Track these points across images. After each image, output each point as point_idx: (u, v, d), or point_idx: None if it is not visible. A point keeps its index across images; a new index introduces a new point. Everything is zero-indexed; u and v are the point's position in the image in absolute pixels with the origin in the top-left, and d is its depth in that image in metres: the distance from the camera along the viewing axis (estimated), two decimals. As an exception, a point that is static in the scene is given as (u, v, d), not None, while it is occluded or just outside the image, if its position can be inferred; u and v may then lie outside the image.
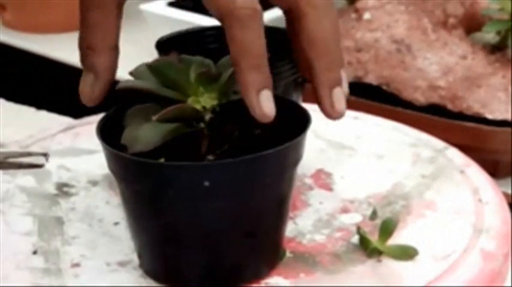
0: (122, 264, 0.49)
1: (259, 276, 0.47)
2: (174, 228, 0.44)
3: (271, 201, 0.45)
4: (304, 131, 0.44)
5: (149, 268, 0.47)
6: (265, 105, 0.41)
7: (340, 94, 0.45)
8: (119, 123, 0.45)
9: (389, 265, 0.48)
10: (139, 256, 0.47)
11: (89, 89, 0.45)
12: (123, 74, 1.11)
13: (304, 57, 0.45)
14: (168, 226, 0.44)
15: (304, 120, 0.45)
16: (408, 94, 0.79)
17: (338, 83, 0.45)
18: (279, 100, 0.44)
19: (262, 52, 0.41)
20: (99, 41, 0.45)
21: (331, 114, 0.45)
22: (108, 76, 0.46)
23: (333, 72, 0.45)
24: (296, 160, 0.45)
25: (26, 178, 0.58)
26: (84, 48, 0.45)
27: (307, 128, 0.44)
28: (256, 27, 0.41)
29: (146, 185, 0.42)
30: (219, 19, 0.42)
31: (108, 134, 0.44)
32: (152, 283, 0.47)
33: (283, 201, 0.46)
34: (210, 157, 0.44)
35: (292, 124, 0.45)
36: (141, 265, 0.48)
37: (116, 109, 0.46)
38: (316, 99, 0.45)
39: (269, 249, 0.47)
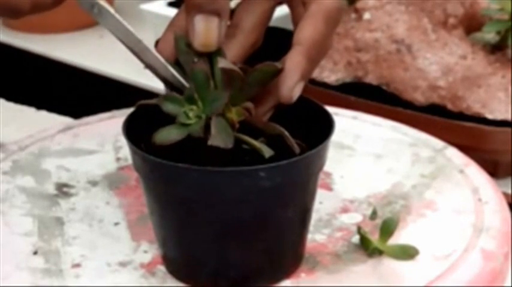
0: (122, 264, 0.49)
1: (276, 282, 0.47)
2: (220, 227, 0.45)
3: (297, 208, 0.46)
4: (330, 136, 0.45)
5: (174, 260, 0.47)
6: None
7: (301, 86, 0.46)
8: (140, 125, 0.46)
9: (390, 264, 0.48)
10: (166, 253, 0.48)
11: (217, 32, 0.45)
12: (123, 73, 1.11)
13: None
14: (216, 225, 0.45)
15: (327, 123, 0.46)
16: (408, 94, 0.79)
17: (308, 77, 0.46)
18: (300, 101, 0.45)
19: None
20: None
21: (286, 98, 0.45)
22: (228, 17, 0.46)
23: (311, 68, 0.46)
24: (321, 166, 0.45)
25: (25, 178, 0.58)
26: None
27: (332, 132, 0.45)
28: None
29: (202, 189, 0.43)
30: None
31: (133, 134, 0.45)
32: (153, 283, 0.47)
33: (308, 209, 0.47)
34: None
35: (311, 126, 0.46)
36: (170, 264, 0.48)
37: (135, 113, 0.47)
38: (281, 76, 0.45)
39: (291, 257, 0.48)
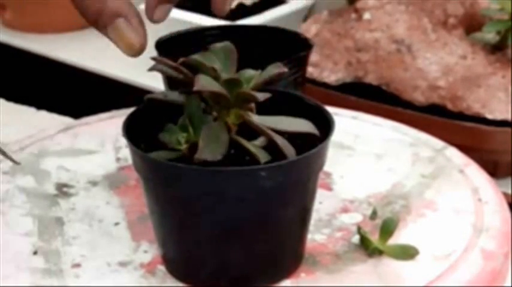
0: (122, 264, 0.49)
1: (276, 282, 0.47)
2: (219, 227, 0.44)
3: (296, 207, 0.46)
4: (330, 135, 0.45)
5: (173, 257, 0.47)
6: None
7: None
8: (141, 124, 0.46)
9: (390, 264, 0.48)
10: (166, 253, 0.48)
11: (129, 31, 0.44)
12: (123, 73, 1.11)
13: None
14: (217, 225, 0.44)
15: (327, 123, 0.46)
16: (408, 94, 0.79)
17: None
18: (300, 101, 0.45)
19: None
20: None
21: (222, 11, 0.46)
22: (135, 11, 0.46)
23: None
24: (321, 165, 0.45)
25: (25, 179, 0.58)
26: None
27: (332, 132, 0.45)
28: None
29: (207, 189, 0.43)
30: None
31: (134, 135, 0.45)
32: (153, 283, 0.47)
33: (308, 209, 0.47)
34: None
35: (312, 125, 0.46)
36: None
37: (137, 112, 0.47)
38: None
39: (291, 257, 0.48)
